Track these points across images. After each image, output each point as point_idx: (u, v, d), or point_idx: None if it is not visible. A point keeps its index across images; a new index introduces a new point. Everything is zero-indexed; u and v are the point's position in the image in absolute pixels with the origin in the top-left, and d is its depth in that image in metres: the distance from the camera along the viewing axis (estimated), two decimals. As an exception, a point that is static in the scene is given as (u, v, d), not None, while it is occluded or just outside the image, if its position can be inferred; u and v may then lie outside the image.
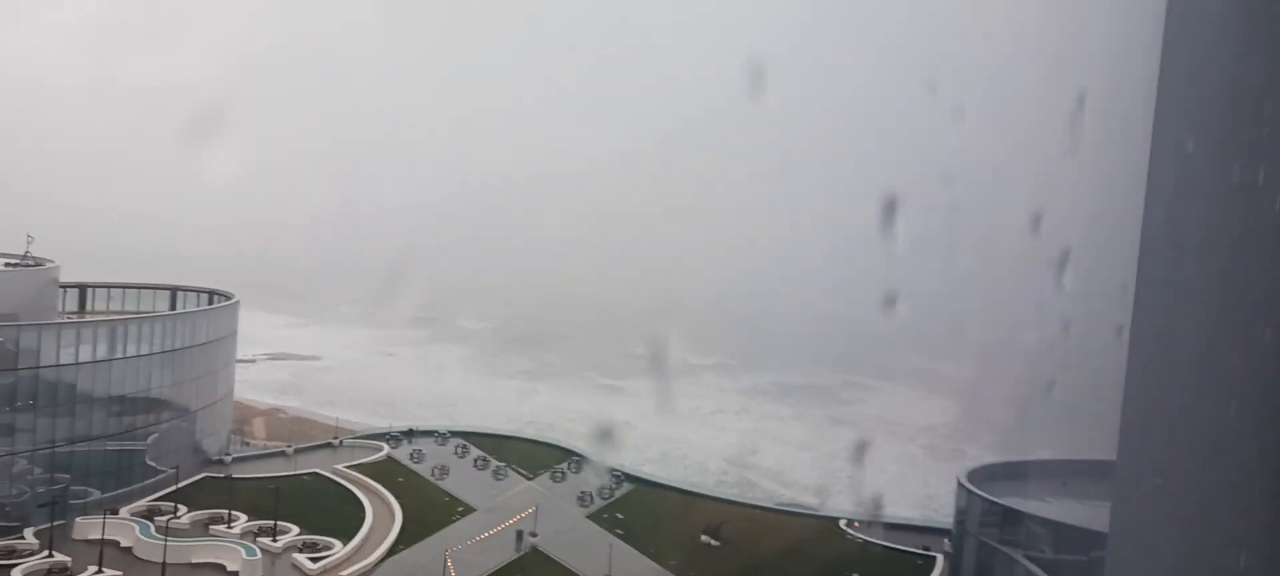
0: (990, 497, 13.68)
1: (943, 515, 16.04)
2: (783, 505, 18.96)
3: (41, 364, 14.40)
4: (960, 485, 14.62)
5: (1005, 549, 13.22)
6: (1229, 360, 1.39)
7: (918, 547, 15.56)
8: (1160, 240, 1.51)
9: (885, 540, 15.92)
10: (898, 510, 17.18)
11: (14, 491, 14.60)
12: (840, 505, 16.63)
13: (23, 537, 13.67)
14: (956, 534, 15.12)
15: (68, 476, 14.69)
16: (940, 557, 15.11)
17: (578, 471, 19.11)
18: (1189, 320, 1.48)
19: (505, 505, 17.12)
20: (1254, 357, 1.35)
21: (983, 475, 14.56)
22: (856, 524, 16.46)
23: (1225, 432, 1.35)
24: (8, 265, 17.28)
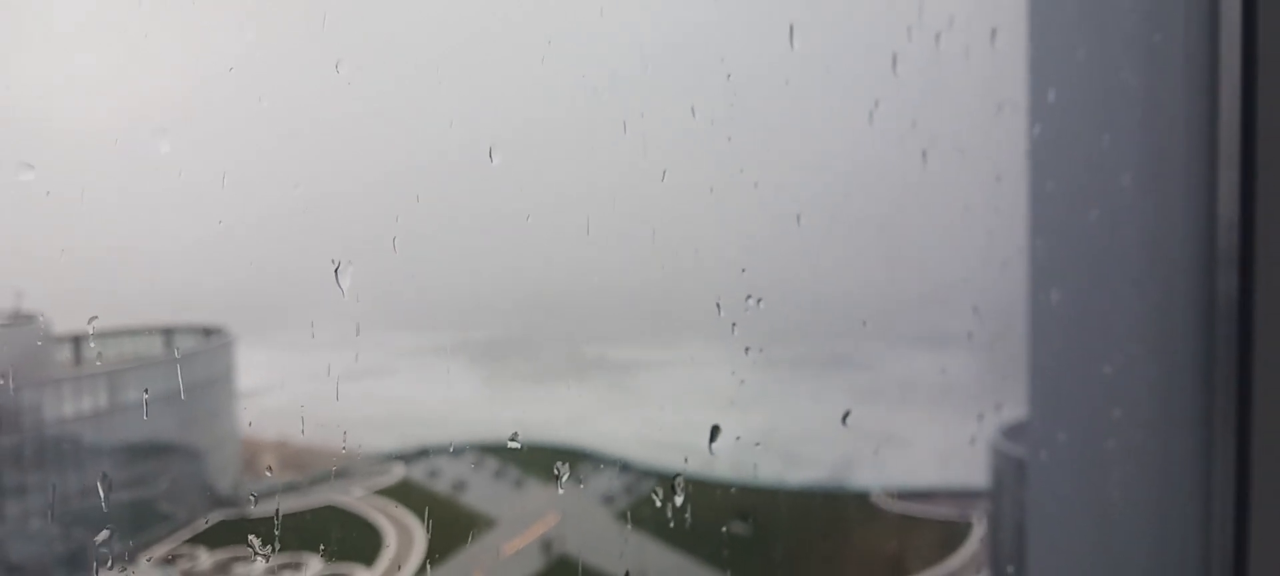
0: (1023, 455, 13.45)
1: (979, 478, 15.77)
2: (809, 484, 18.73)
3: (45, 420, 14.73)
4: (993, 446, 14.40)
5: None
6: (1124, 306, 1.25)
7: (955, 513, 15.18)
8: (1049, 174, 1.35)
9: (921, 509, 15.63)
10: (932, 476, 17.02)
11: (32, 551, 14.72)
12: (868, 478, 16.44)
13: (42, 597, 14.05)
14: (994, 494, 14.74)
15: (83, 531, 14.87)
16: (979, 520, 14.78)
17: (598, 471, 18.77)
18: (1084, 265, 1.32)
19: (527, 515, 16.73)
20: (1146, 298, 1.21)
21: (1016, 432, 14.51)
22: (892, 495, 16.20)
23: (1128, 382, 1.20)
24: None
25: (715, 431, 1.95)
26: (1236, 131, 1.11)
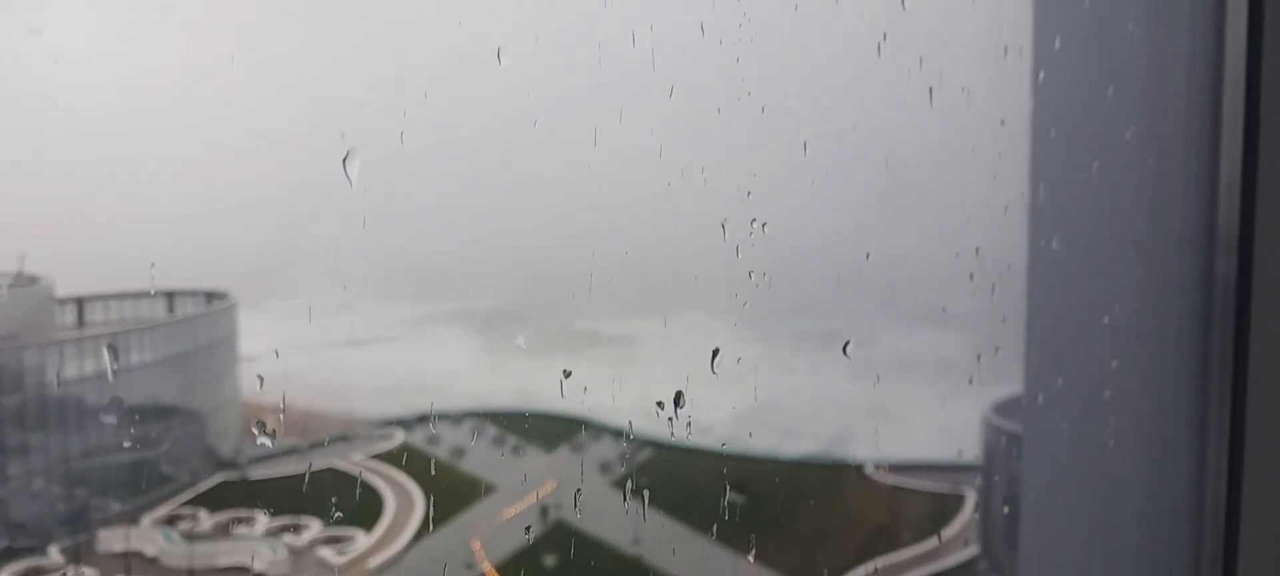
0: (1015, 430, 13.53)
1: (971, 452, 15.97)
2: (807, 456, 18.90)
3: (47, 381, 14.96)
4: (985, 420, 14.55)
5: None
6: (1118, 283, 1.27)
7: (948, 487, 15.52)
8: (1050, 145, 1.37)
9: (914, 482, 15.92)
10: (925, 450, 17.17)
11: (34, 510, 14.98)
12: (863, 450, 16.62)
13: (46, 555, 14.24)
14: (985, 469, 14.86)
15: (86, 491, 15.19)
16: (971, 493, 15.09)
17: (597, 440, 19.02)
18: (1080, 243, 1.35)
19: (526, 481, 17.05)
20: (1138, 278, 1.23)
21: (1008, 408, 14.64)
22: (884, 468, 16.42)
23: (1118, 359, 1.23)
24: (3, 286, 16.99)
25: (716, 353, 1.98)
26: (1240, 90, 1.13)
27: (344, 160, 1.68)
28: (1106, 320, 1.41)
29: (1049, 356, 1.44)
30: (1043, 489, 1.52)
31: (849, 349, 2.20)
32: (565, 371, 2.04)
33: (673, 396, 1.94)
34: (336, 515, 14.73)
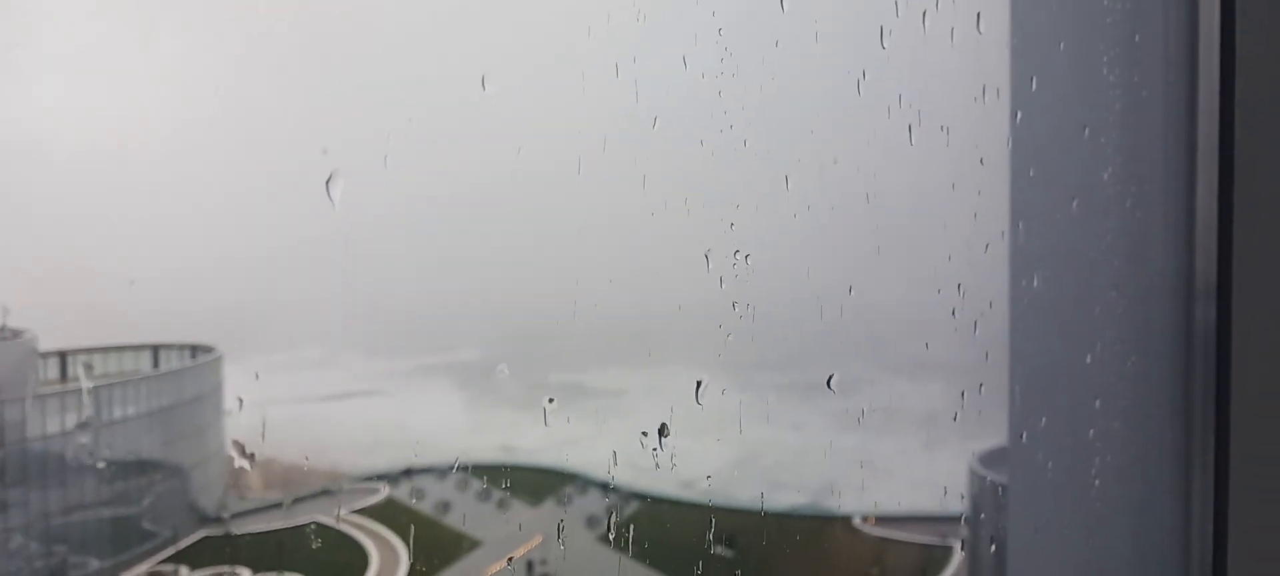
0: (1001, 480, 13.49)
1: (957, 502, 15.83)
2: (794, 509, 18.76)
3: (28, 436, 14.68)
4: (971, 470, 14.45)
5: (1019, 530, 13.21)
6: (1099, 316, 1.30)
7: (935, 538, 15.30)
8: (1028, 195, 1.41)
9: (902, 534, 15.75)
10: (912, 502, 17.11)
11: (12, 567, 14.63)
12: (851, 503, 16.54)
13: (21, 615, 13.97)
14: (971, 519, 14.75)
15: (65, 548, 14.89)
16: (958, 544, 14.88)
17: (583, 494, 18.78)
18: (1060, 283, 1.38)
19: (512, 536, 16.66)
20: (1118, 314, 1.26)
21: (993, 458, 14.58)
22: (872, 520, 16.28)
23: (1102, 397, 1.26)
24: (-16, 339, 16.85)
25: (699, 386, 1.99)
26: (1214, 134, 1.17)
27: (327, 182, 1.69)
28: (1089, 359, 1.43)
29: (1032, 395, 1.46)
30: (1030, 529, 1.53)
31: (833, 382, 2.22)
32: (549, 399, 2.05)
33: (657, 428, 1.95)
34: (317, 572, 14.49)
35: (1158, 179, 1.30)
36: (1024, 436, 1.47)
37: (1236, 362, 1.13)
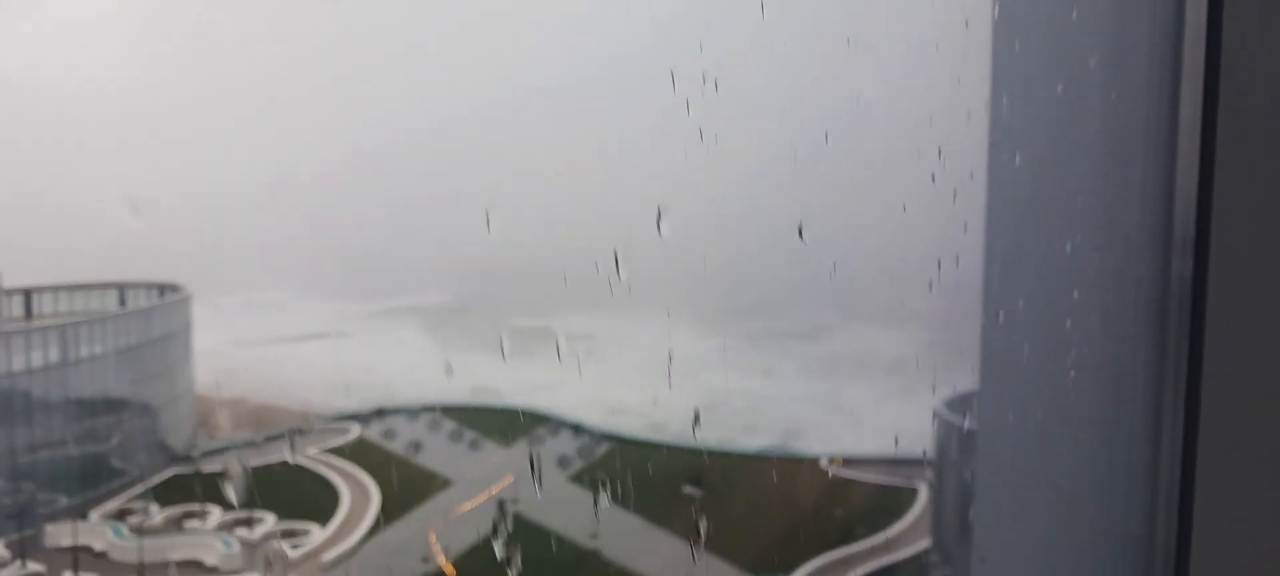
0: (967, 425, 13.69)
1: (923, 447, 16.12)
2: (763, 450, 19.02)
3: None
4: (937, 415, 14.62)
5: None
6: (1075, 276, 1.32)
7: (902, 481, 15.68)
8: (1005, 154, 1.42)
9: (868, 476, 16.09)
10: (879, 445, 17.38)
11: None
12: (819, 445, 16.81)
13: (-9, 550, 14.00)
14: (937, 464, 15.01)
15: (32, 485, 14.86)
16: (923, 488, 15.26)
17: (555, 435, 19.01)
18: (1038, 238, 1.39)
19: (483, 476, 16.90)
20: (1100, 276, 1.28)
21: (960, 403, 14.77)
22: (839, 461, 16.57)
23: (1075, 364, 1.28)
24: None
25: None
26: (1202, 27, 1.18)
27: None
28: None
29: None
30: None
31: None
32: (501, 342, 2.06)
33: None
34: (288, 509, 14.58)
35: (1142, 74, 1.31)
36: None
37: (1213, 266, 1.16)
